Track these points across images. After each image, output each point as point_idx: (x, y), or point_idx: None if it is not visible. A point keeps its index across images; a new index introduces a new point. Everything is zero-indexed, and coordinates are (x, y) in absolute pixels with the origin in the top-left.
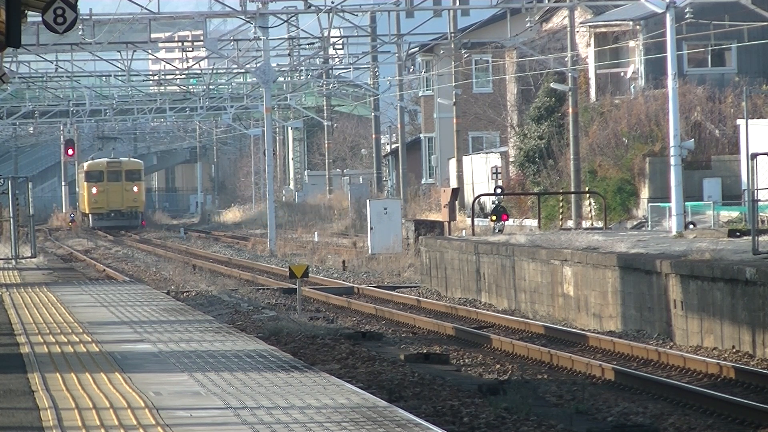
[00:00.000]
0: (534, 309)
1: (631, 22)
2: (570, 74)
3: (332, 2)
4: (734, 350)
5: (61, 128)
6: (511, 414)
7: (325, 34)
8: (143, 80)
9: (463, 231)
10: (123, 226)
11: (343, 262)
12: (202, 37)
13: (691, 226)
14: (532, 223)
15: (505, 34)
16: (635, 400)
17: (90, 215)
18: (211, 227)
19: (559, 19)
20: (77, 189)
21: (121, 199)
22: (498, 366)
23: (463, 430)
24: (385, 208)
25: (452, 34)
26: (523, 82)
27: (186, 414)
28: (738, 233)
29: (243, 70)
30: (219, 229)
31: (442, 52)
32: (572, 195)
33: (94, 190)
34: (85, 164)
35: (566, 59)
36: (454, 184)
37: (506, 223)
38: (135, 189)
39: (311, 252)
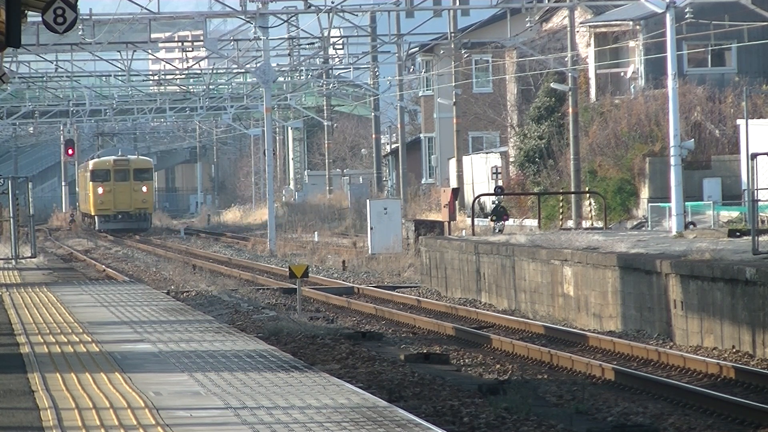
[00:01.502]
0: (534, 309)
1: (631, 22)
2: (570, 74)
3: (332, 2)
4: (734, 350)
5: (61, 128)
6: (511, 414)
7: (325, 34)
8: (143, 80)
9: (463, 231)
10: (131, 228)
11: (343, 262)
12: (202, 37)
13: (691, 226)
14: (532, 223)
15: (505, 34)
16: (635, 400)
17: (96, 217)
18: (210, 227)
19: (559, 19)
20: (77, 189)
21: (129, 199)
22: (498, 366)
23: (463, 430)
24: (385, 208)
25: (452, 34)
26: (523, 82)
27: (186, 414)
28: (738, 233)
29: (243, 70)
30: (219, 230)
31: (442, 52)
32: (572, 195)
33: (100, 190)
34: (91, 163)
35: (566, 59)
36: (454, 184)
37: (506, 223)
38: (144, 189)
39: (311, 252)
